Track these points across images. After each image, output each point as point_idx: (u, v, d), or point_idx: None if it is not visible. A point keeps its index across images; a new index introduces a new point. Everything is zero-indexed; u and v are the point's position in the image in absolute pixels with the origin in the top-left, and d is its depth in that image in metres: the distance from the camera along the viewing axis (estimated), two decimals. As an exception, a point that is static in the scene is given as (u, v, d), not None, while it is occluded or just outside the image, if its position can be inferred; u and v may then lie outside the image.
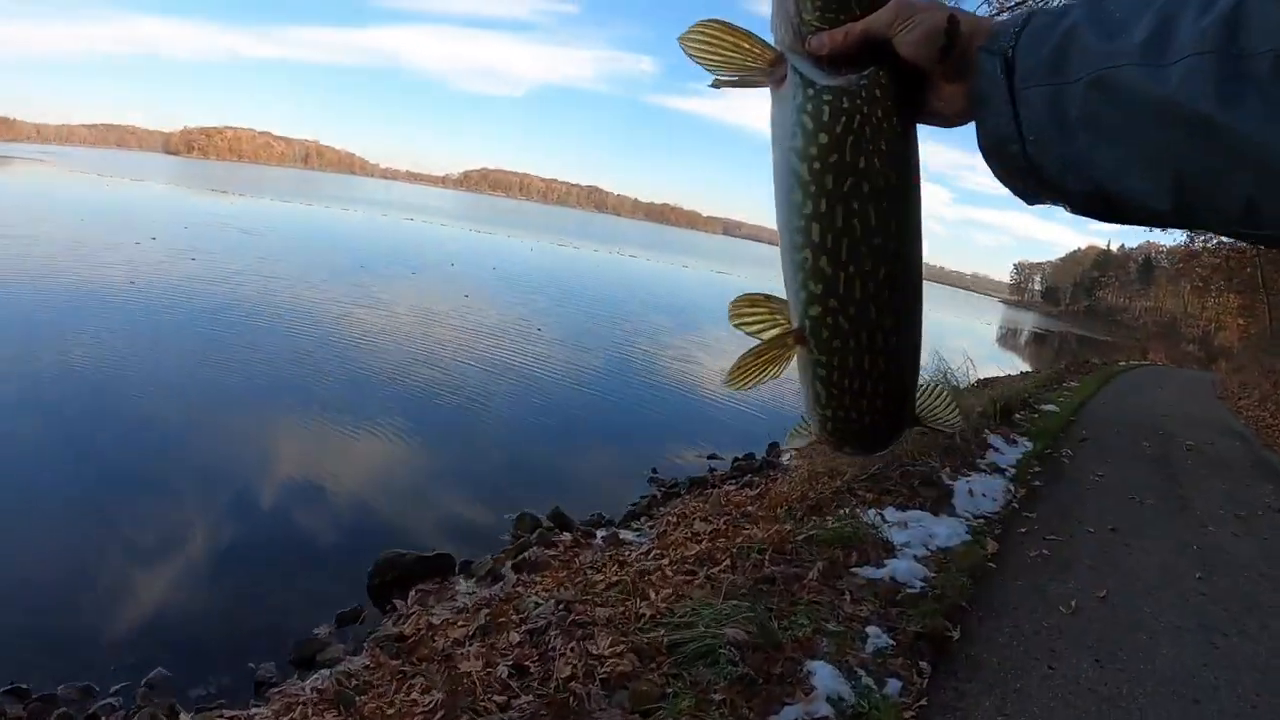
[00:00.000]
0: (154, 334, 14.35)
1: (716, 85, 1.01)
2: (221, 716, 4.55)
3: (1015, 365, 31.73)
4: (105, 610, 6.07)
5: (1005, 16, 1.14)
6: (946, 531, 6.40)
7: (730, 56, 0.98)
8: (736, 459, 11.10)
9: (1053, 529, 7.05)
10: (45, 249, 22.64)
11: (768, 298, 1.08)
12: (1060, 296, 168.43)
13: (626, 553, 6.51)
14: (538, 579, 6.18)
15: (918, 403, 1.12)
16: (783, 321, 1.06)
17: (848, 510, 6.47)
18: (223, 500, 8.20)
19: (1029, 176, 0.87)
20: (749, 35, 0.97)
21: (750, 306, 1.08)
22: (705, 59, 0.97)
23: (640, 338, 21.56)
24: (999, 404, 11.21)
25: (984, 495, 7.49)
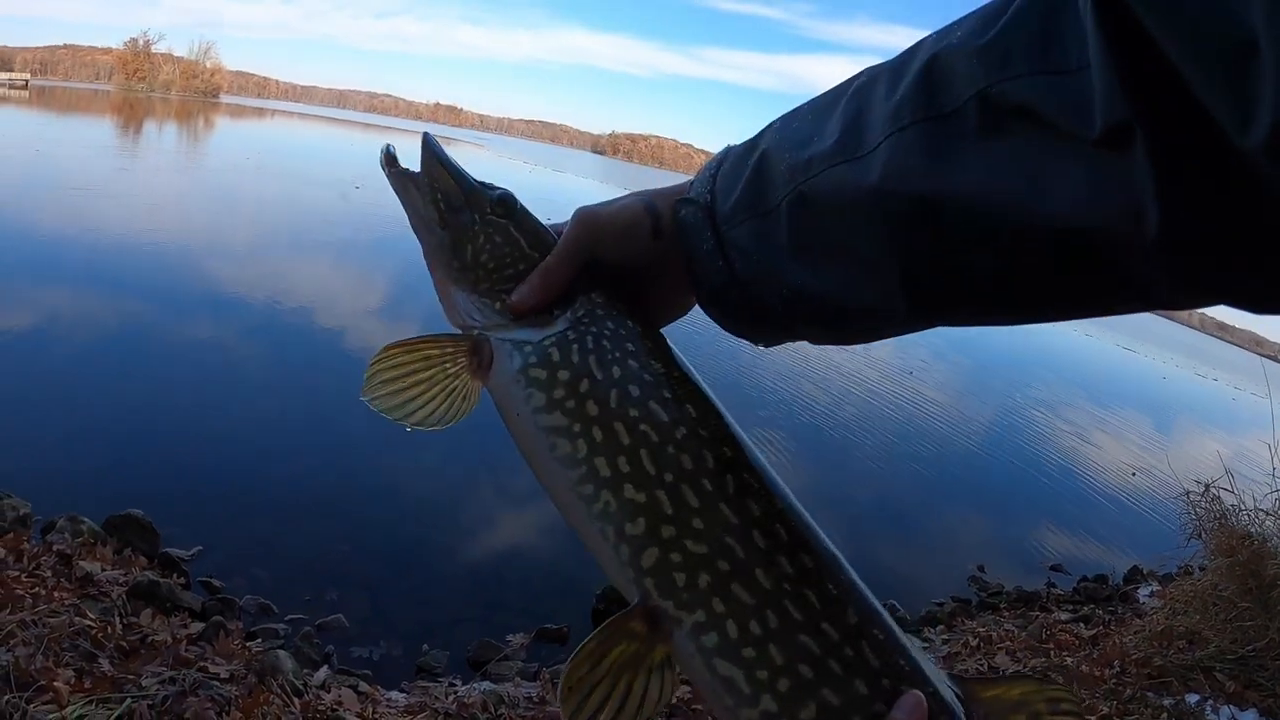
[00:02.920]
0: None
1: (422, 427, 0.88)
2: (355, 685, 4.48)
3: None
4: (328, 541, 6.13)
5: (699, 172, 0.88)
6: (1320, 774, 4.76)
7: (422, 376, 0.86)
8: (1084, 579, 8.92)
9: None
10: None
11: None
12: None
13: (895, 669, 5.15)
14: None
15: None
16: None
17: (1194, 703, 5.00)
18: (485, 470, 7.89)
19: (757, 319, 0.84)
20: (431, 338, 0.88)
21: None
22: (401, 405, 0.86)
23: (1012, 407, 19.31)
24: None
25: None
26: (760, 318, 0.83)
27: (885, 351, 22.06)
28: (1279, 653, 5.52)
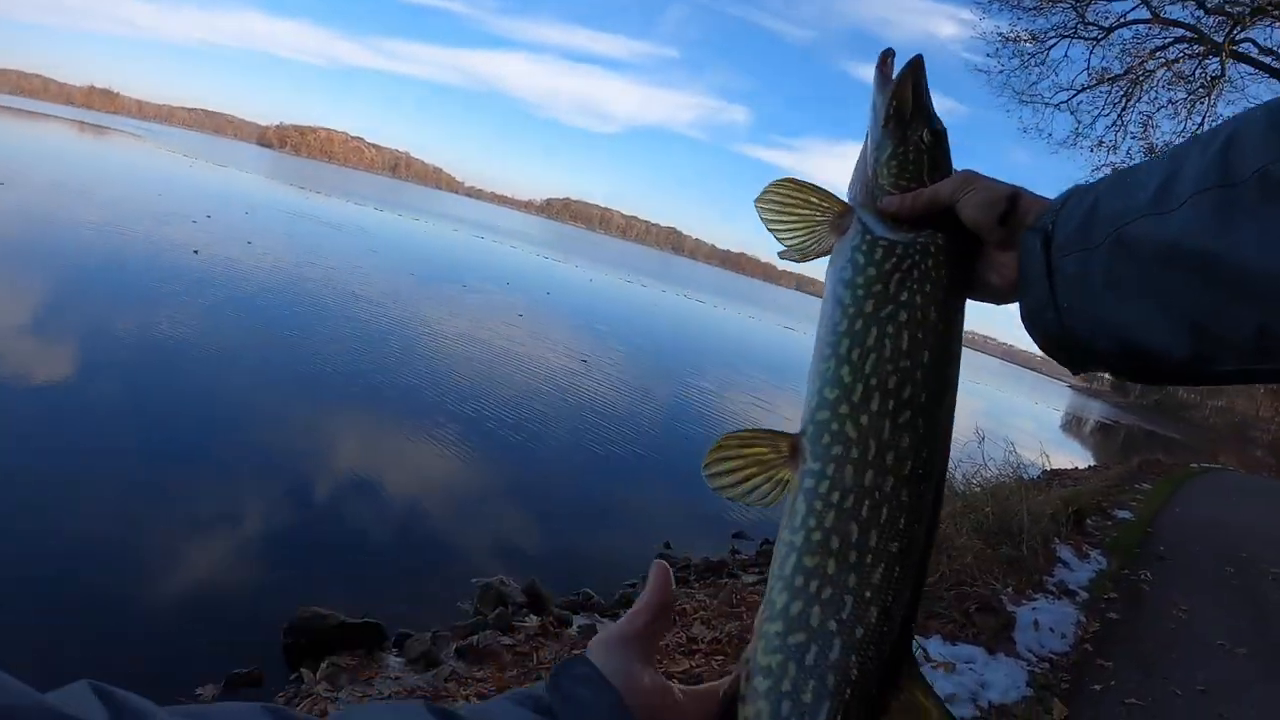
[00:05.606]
0: (140, 299, 14.02)
1: (783, 256, 1.12)
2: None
3: (1080, 457, 30.01)
4: None
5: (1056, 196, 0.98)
6: (1004, 680, 5.28)
7: (800, 213, 1.08)
8: (766, 541, 9.54)
9: (1132, 686, 5.79)
10: (116, 213, 24.42)
11: (769, 432, 0.99)
12: (1129, 388, 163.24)
13: (599, 655, 5.26)
14: (479, 673, 5.15)
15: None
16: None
17: None
18: (146, 498, 7.40)
19: (1065, 341, 0.92)
20: (819, 189, 1.09)
21: (739, 447, 0.98)
22: (776, 219, 1.09)
23: (687, 385, 20.31)
24: (1071, 507, 9.90)
25: (1051, 629, 6.35)
26: (1068, 340, 0.91)
27: (562, 336, 22.60)
28: (950, 584, 6.16)
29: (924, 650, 5.32)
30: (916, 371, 0.96)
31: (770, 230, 1.08)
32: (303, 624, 5.57)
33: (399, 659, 5.48)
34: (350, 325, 16.65)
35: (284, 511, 7.78)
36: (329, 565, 6.91)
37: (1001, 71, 15.91)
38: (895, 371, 0.96)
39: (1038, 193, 1.01)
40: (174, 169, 62.07)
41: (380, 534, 7.78)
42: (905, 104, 1.07)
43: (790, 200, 1.08)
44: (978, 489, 7.92)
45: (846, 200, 1.09)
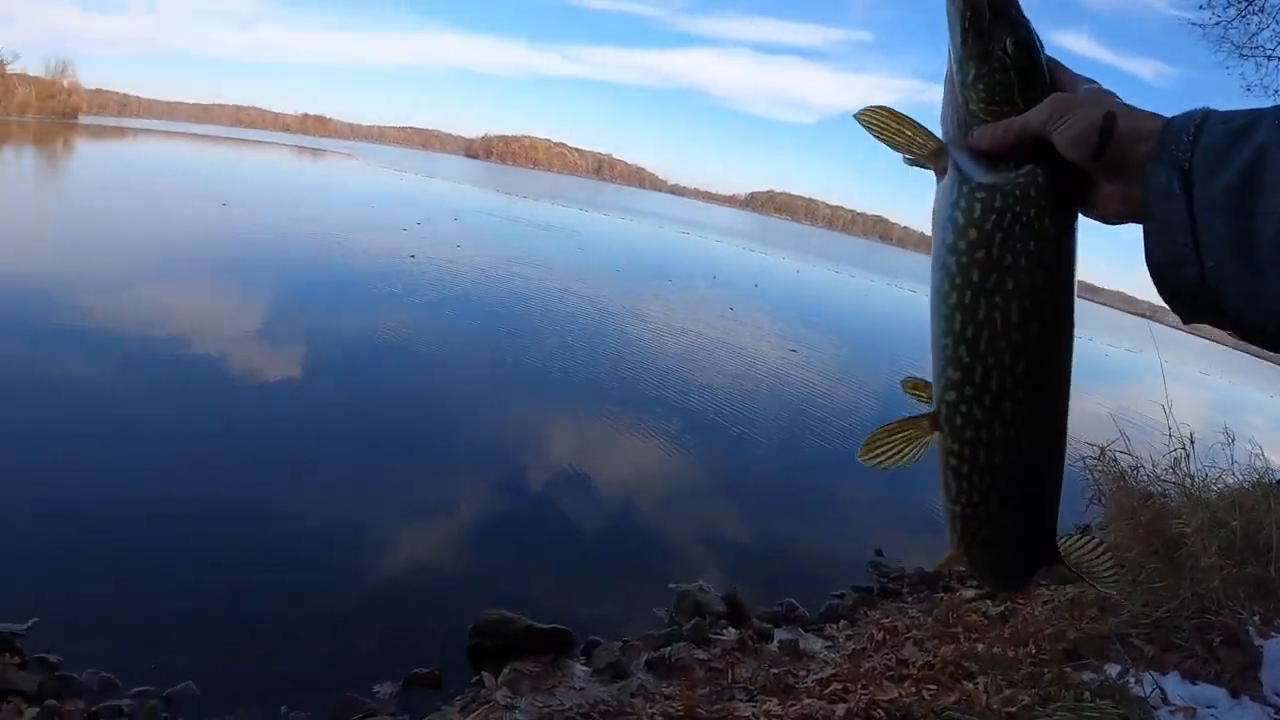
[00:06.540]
0: (354, 305, 14.69)
1: (908, 163, 1.05)
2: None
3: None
4: (166, 603, 5.45)
5: (1178, 114, 0.82)
6: (1248, 733, 4.47)
7: (895, 141, 1.01)
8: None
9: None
10: (335, 226, 26.53)
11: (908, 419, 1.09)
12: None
13: (801, 674, 4.93)
14: (667, 689, 4.78)
15: (1066, 546, 1.06)
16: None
17: (1115, 675, 4.62)
18: (351, 491, 7.52)
19: (1204, 303, 0.80)
20: (912, 124, 1.01)
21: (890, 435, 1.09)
22: (880, 136, 1.02)
23: (903, 375, 19.44)
24: (1327, 522, 8.45)
25: (1303, 669, 5.39)
26: (1210, 304, 0.79)
27: (774, 328, 22.23)
28: (1192, 611, 5.33)
29: (1162, 690, 4.56)
30: (1030, 344, 0.95)
31: (877, 138, 1.01)
32: (489, 626, 5.35)
33: (585, 668, 5.19)
34: (563, 322, 16.90)
35: (483, 507, 7.72)
36: (522, 565, 6.75)
37: (1217, 23, 14.06)
38: (1010, 348, 0.95)
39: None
40: (386, 183, 65.88)
41: (577, 533, 7.58)
42: (981, 11, 0.94)
43: (887, 128, 1.00)
44: (1215, 497, 6.93)
45: (940, 136, 1.01)
